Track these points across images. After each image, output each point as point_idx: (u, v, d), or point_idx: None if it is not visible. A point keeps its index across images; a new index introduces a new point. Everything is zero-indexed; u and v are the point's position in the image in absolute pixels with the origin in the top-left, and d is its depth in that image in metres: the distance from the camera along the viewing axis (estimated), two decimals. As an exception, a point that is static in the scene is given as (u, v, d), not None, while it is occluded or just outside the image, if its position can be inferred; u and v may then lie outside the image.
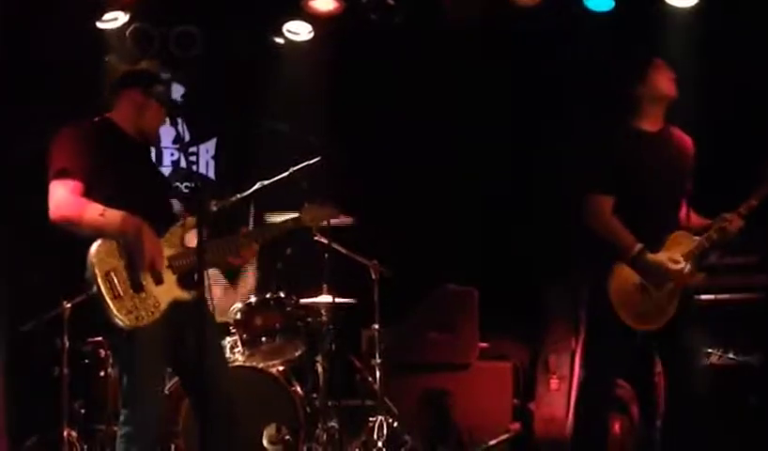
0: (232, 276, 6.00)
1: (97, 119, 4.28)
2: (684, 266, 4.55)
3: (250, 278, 6.05)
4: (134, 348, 3.99)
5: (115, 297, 3.91)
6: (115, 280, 3.93)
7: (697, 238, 4.63)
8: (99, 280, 3.91)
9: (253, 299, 5.80)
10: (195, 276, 3.91)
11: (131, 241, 3.95)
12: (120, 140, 4.23)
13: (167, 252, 4.06)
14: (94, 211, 3.97)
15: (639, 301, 4.53)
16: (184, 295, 4.06)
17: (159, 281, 4.01)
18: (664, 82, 4.61)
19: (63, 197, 3.99)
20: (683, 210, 4.74)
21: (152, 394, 4.06)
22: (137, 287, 3.96)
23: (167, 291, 4.03)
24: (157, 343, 4.02)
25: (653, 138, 4.63)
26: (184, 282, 4.08)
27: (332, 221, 4.95)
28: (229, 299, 6.00)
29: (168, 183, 4.69)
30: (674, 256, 4.55)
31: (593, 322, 4.82)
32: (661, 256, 4.54)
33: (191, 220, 4.13)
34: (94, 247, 3.96)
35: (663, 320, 4.54)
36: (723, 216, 4.61)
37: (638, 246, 4.49)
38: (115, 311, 3.90)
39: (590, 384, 4.86)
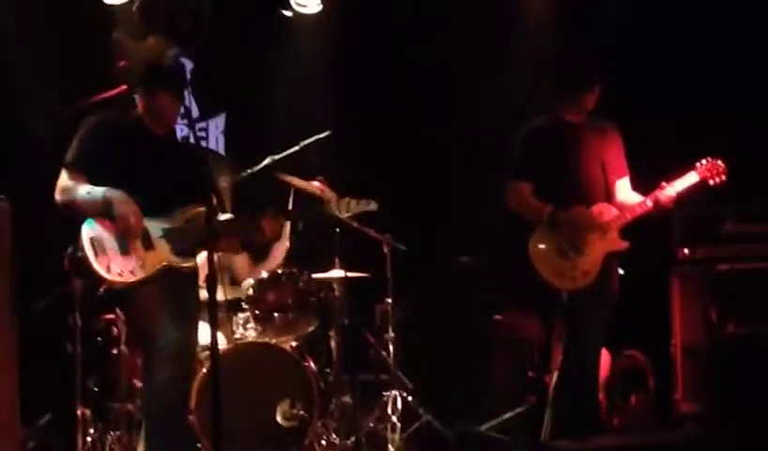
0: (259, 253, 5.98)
1: (119, 112, 4.77)
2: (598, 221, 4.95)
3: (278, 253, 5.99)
4: (133, 303, 4.51)
5: (97, 255, 4.40)
6: (101, 244, 4.42)
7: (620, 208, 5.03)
8: (85, 243, 4.40)
9: (264, 274, 5.77)
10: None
11: (109, 213, 4.43)
12: (139, 134, 4.66)
13: (167, 225, 4.54)
14: (83, 191, 4.46)
15: (559, 261, 4.96)
16: (176, 261, 4.53)
17: (148, 247, 4.48)
18: (591, 101, 5.06)
19: (61, 184, 4.52)
20: (617, 192, 5.09)
21: (158, 349, 4.42)
22: (123, 250, 4.43)
23: (157, 256, 4.50)
24: (153, 301, 4.46)
25: (576, 127, 5.08)
26: (178, 250, 4.55)
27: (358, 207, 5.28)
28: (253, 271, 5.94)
29: (194, 170, 4.66)
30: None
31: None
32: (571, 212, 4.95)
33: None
34: (86, 220, 4.47)
35: (584, 282, 4.93)
36: (661, 185, 4.98)
37: (549, 207, 4.97)
38: (95, 266, 4.38)
39: None
